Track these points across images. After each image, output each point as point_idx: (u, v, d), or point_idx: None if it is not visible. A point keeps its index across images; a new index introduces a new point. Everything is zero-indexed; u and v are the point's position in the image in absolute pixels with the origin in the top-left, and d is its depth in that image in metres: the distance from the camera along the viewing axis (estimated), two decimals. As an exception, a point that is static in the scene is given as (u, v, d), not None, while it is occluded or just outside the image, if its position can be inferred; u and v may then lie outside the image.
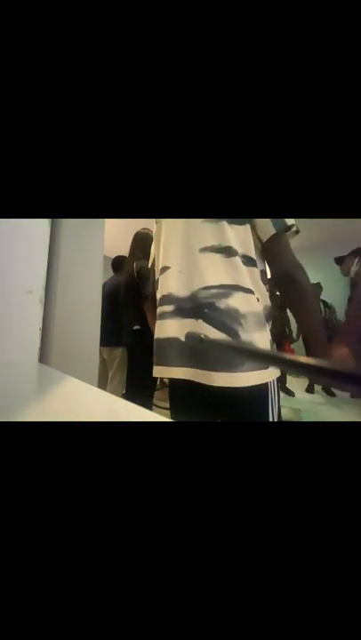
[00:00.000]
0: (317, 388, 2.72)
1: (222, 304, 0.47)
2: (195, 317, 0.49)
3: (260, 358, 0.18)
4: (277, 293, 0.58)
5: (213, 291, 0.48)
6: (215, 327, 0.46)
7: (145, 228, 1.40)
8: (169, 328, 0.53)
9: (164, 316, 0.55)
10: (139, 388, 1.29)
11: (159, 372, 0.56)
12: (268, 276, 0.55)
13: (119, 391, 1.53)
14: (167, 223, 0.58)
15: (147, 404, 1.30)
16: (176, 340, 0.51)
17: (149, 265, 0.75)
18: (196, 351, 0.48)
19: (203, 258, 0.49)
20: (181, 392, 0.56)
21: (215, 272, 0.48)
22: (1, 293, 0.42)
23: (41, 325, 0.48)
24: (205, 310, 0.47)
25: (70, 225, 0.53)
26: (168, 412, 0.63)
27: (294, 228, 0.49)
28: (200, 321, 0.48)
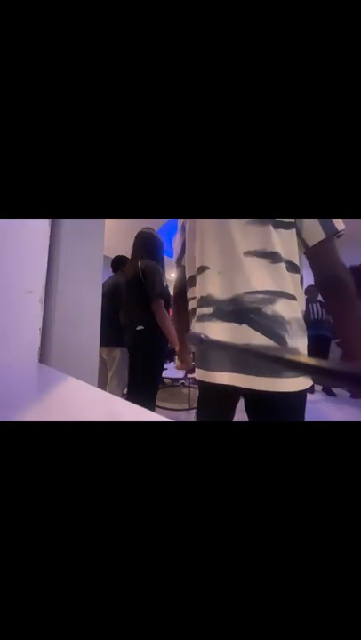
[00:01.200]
0: (317, 387, 2.72)
1: (268, 310, 0.46)
2: (239, 322, 0.48)
3: (264, 358, 0.18)
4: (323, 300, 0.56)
5: (260, 296, 0.46)
6: (261, 333, 0.46)
7: (147, 228, 1.40)
8: (209, 331, 0.51)
9: (202, 318, 0.54)
10: (142, 388, 1.29)
11: (200, 375, 0.55)
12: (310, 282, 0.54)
13: (119, 391, 1.53)
14: (208, 222, 0.55)
15: (150, 404, 1.29)
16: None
17: (174, 259, 0.73)
18: (238, 356, 0.47)
19: (248, 262, 0.48)
20: (219, 396, 0.55)
21: (261, 277, 0.47)
22: (1, 293, 0.42)
23: (41, 325, 0.48)
24: (251, 315, 0.46)
25: (70, 225, 0.53)
26: (169, 412, 0.63)
27: (342, 232, 0.48)
28: (245, 326, 0.47)
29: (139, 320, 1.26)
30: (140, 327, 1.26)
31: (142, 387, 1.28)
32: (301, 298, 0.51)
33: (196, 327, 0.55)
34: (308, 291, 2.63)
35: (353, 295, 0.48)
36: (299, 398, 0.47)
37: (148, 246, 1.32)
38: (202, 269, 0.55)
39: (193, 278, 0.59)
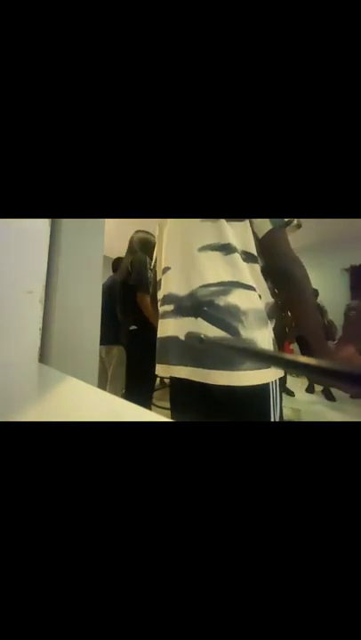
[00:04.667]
0: (317, 388, 2.72)
1: (221, 301, 0.46)
2: (194, 316, 0.48)
3: (261, 357, 0.18)
4: (276, 291, 0.57)
5: (212, 288, 0.47)
6: (215, 325, 0.46)
7: (140, 231, 1.40)
8: (169, 327, 0.53)
9: (164, 315, 0.56)
10: (138, 387, 1.29)
11: (161, 370, 0.56)
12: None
13: (119, 390, 1.53)
14: (169, 225, 0.58)
15: (146, 403, 1.30)
16: (176, 338, 0.51)
17: (151, 266, 0.74)
18: (196, 350, 0.47)
19: (201, 256, 0.49)
20: (181, 391, 0.56)
21: (214, 270, 0.48)
22: (1, 293, 0.42)
23: (41, 325, 0.48)
24: (205, 308, 0.47)
25: (70, 225, 0.53)
26: (168, 411, 0.63)
27: (295, 222, 0.49)
28: (199, 319, 0.47)
29: (132, 319, 1.26)
30: (132, 327, 1.26)
31: (138, 386, 1.29)
32: (263, 288, 0.51)
33: (160, 325, 0.57)
34: None
35: (301, 285, 0.48)
36: (257, 394, 0.45)
37: (140, 245, 1.33)
38: (165, 270, 0.57)
39: (160, 281, 0.61)
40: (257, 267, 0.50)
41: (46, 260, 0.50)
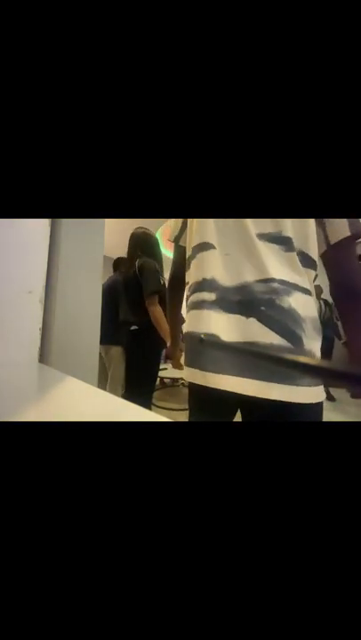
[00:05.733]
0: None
1: (285, 302, 0.38)
2: (245, 315, 0.39)
3: (268, 360, 0.17)
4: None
5: (274, 285, 0.38)
6: (273, 329, 0.37)
7: (140, 227, 1.40)
8: (209, 322, 0.42)
9: (200, 305, 0.44)
10: (138, 388, 1.29)
11: (192, 376, 0.44)
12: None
13: (119, 390, 1.53)
14: None
15: (146, 404, 1.30)
16: (217, 338, 0.41)
17: (172, 238, 0.61)
18: (247, 356, 0.39)
19: (261, 245, 0.40)
20: (210, 403, 0.45)
21: (277, 264, 0.39)
22: (1, 293, 0.42)
23: (41, 325, 0.48)
24: (262, 308, 0.38)
25: (70, 225, 0.53)
26: (168, 412, 0.63)
27: None
28: (252, 320, 0.38)
29: (134, 320, 1.26)
30: (133, 327, 1.26)
31: (138, 386, 1.29)
32: (314, 297, 0.43)
33: (191, 316, 0.46)
34: None
35: None
36: (315, 411, 0.38)
37: (143, 245, 1.33)
38: (203, 247, 0.45)
39: (192, 259, 0.48)
40: (312, 273, 0.42)
41: (46, 260, 0.50)
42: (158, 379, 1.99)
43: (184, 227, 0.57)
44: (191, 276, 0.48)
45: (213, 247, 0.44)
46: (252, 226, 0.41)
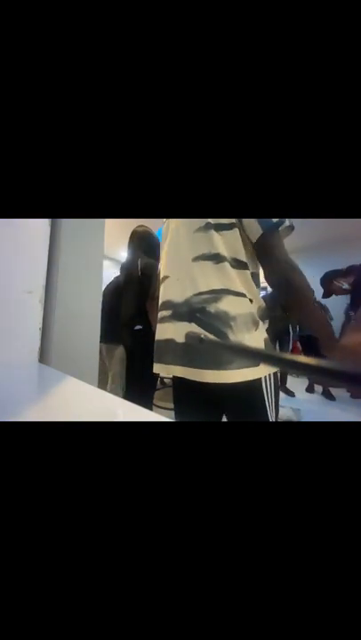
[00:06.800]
0: (317, 388, 2.72)
1: (212, 308, 0.50)
2: (188, 321, 0.53)
3: (256, 357, 0.18)
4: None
5: (204, 296, 0.52)
6: (206, 330, 0.50)
7: (141, 226, 1.39)
8: (167, 330, 0.59)
9: (163, 319, 0.61)
10: (139, 388, 1.29)
11: (158, 368, 0.63)
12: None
13: (120, 390, 1.53)
14: (169, 237, 0.62)
15: (147, 404, 1.30)
16: (172, 341, 0.57)
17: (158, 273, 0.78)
18: (189, 351, 0.52)
19: (195, 266, 0.54)
20: (182, 389, 0.63)
21: (205, 278, 0.52)
22: (1, 293, 0.42)
23: (41, 325, 0.47)
24: (197, 314, 0.52)
25: (70, 225, 0.53)
26: (168, 412, 0.66)
27: (287, 223, 0.50)
28: (193, 324, 0.52)
29: (136, 320, 1.26)
30: (137, 327, 1.26)
31: (139, 386, 1.28)
32: (254, 293, 0.54)
33: (159, 328, 0.63)
34: None
35: (299, 292, 0.50)
36: (250, 389, 0.49)
37: (145, 246, 1.32)
38: (164, 279, 0.63)
39: (160, 288, 0.66)
40: (247, 272, 0.53)
41: (46, 260, 0.50)
42: (159, 379, 1.98)
43: None
44: (160, 300, 0.65)
45: (168, 277, 0.61)
46: (189, 252, 0.55)
